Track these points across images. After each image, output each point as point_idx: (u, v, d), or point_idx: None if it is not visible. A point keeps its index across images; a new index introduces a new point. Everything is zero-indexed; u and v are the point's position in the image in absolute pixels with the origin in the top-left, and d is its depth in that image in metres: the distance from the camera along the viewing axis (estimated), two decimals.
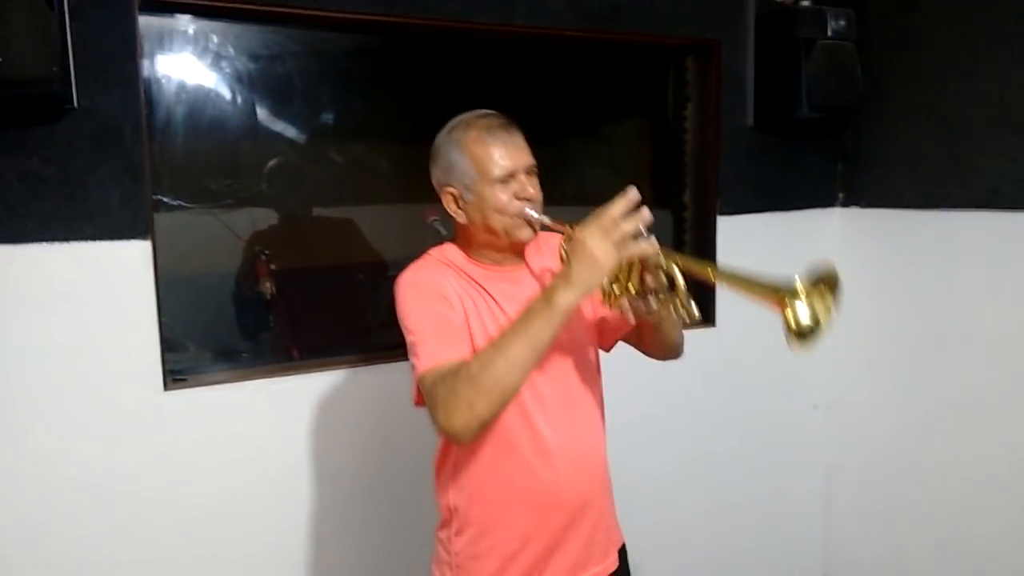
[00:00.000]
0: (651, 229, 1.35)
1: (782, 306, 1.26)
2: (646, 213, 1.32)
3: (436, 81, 2.56)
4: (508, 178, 1.49)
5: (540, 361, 1.41)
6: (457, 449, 1.56)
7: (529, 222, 1.50)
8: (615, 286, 1.46)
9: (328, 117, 2.35)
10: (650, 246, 1.34)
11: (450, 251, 1.61)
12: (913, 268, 2.74)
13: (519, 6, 2.29)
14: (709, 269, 1.40)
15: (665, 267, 1.38)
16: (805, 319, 1.26)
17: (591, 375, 1.65)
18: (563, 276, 1.34)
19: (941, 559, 2.70)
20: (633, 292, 1.44)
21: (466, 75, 2.60)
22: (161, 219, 2.04)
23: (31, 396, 1.87)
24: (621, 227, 1.31)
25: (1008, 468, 2.49)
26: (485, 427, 1.37)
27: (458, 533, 1.59)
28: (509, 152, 1.50)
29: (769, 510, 3.02)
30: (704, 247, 2.76)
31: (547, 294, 1.34)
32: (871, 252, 2.87)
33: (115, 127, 1.89)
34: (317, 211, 2.51)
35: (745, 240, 2.78)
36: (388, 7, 2.15)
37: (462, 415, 1.32)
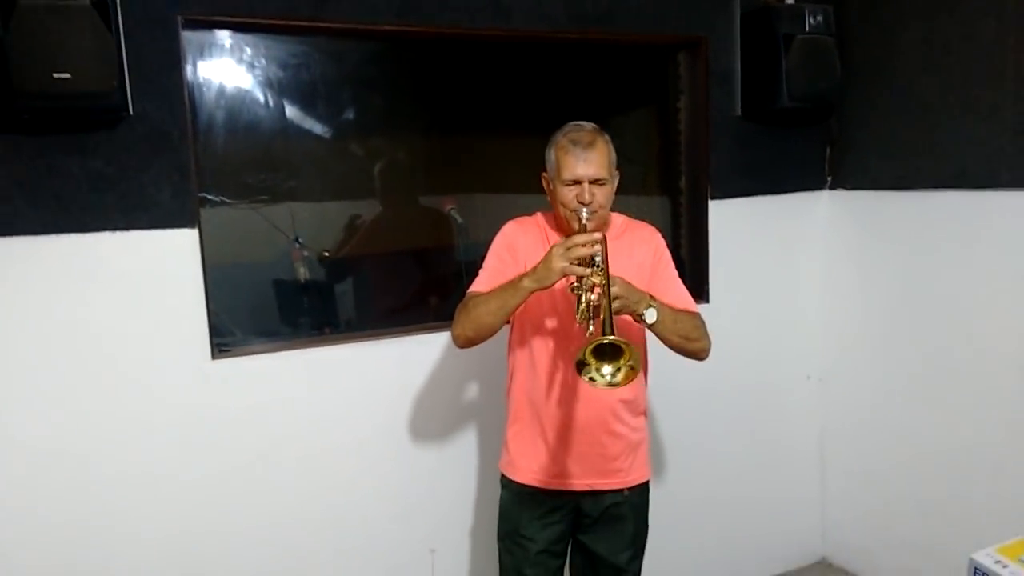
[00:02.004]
0: (598, 263, 1.81)
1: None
2: (594, 249, 1.79)
3: (450, 82, 2.83)
4: (574, 183, 1.95)
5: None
6: (510, 358, 2.14)
7: (578, 219, 1.94)
8: (576, 290, 1.84)
9: (349, 116, 2.64)
10: (582, 270, 1.78)
11: (548, 217, 2.12)
12: (893, 245, 2.93)
13: (515, 12, 2.54)
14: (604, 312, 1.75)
15: (591, 289, 1.79)
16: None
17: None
18: (532, 269, 1.85)
19: (924, 511, 2.91)
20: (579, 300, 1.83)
21: (480, 76, 2.87)
22: (205, 214, 2.32)
23: (97, 363, 2.18)
24: (574, 251, 1.78)
25: (981, 428, 2.69)
26: (471, 343, 1.97)
27: (508, 423, 2.17)
28: (580, 164, 1.94)
29: (770, 471, 3.23)
30: (697, 230, 2.99)
31: (520, 276, 1.86)
32: (856, 232, 3.08)
33: (164, 131, 2.18)
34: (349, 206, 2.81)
35: (736, 222, 3.00)
36: (400, 16, 2.41)
37: (455, 329, 1.98)
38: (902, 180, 2.87)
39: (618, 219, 2.12)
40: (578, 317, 1.79)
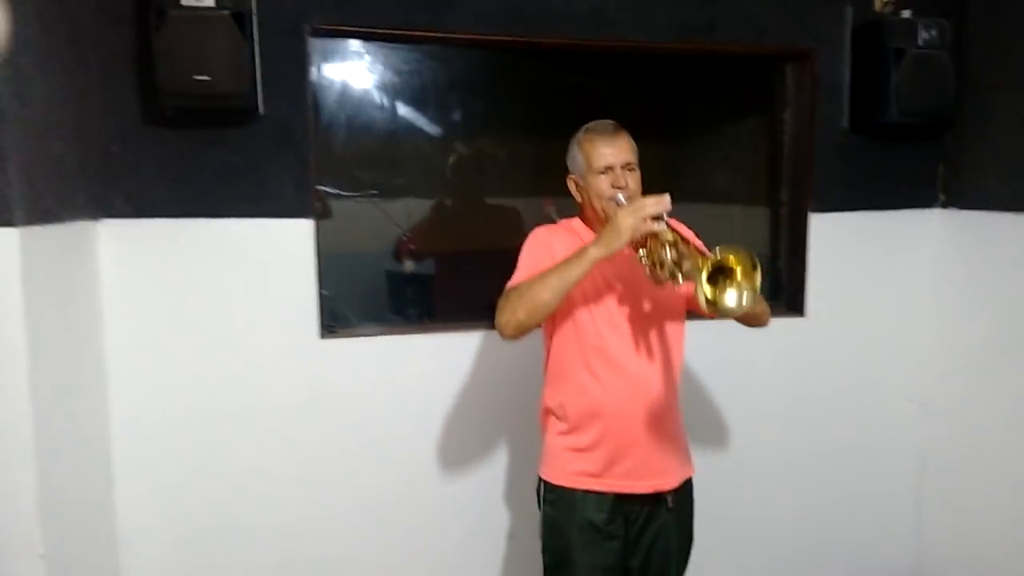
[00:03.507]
0: (665, 220, 1.78)
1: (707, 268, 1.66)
2: (665, 205, 1.76)
3: (555, 88, 2.95)
4: (607, 170, 1.96)
5: (632, 316, 1.97)
6: (553, 360, 2.07)
7: (618, 205, 1.91)
8: (645, 256, 1.86)
9: (456, 120, 2.81)
10: (659, 226, 1.77)
11: (575, 222, 2.10)
12: (1006, 269, 2.80)
13: (620, 23, 2.62)
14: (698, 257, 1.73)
15: (672, 243, 1.79)
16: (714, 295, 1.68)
17: (671, 336, 2.07)
18: (598, 236, 1.82)
19: None
20: (654, 263, 1.85)
21: (585, 82, 2.98)
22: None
23: (219, 336, 2.44)
24: (645, 210, 1.76)
25: None
26: (521, 329, 1.86)
27: (552, 426, 2.09)
28: (610, 151, 1.96)
29: (860, 502, 3.13)
30: (796, 242, 2.97)
31: (584, 247, 1.82)
32: (967, 253, 2.96)
33: (288, 129, 2.41)
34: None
35: (838, 236, 2.94)
36: (508, 27, 2.55)
37: (506, 315, 1.87)
38: (1019, 202, 2.75)
39: None
40: (662, 274, 1.79)
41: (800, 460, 3.04)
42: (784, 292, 3.04)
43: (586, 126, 2.04)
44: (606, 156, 1.96)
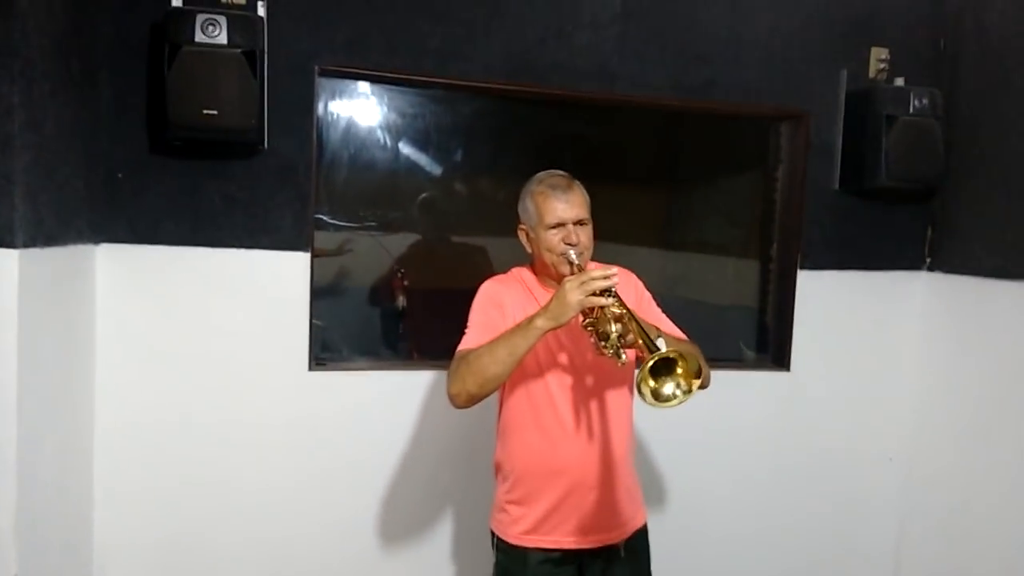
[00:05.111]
0: (614, 293, 1.76)
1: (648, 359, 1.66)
2: (612, 280, 1.75)
3: (555, 135, 3.02)
4: (558, 226, 1.93)
5: (583, 375, 1.95)
6: (504, 418, 2.05)
7: (569, 262, 1.92)
8: (591, 327, 1.84)
9: (457, 162, 2.87)
10: (604, 300, 1.75)
11: (526, 272, 2.08)
12: (990, 334, 2.84)
13: (619, 78, 2.70)
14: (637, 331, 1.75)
15: (616, 318, 1.77)
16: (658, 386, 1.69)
17: (621, 396, 2.04)
18: (544, 307, 1.80)
19: None
20: (598, 335, 1.83)
21: (584, 132, 3.05)
22: (319, 236, 2.59)
23: (211, 363, 2.46)
24: (590, 284, 1.74)
25: None
26: (472, 400, 1.86)
27: (501, 482, 2.08)
28: (563, 206, 1.93)
29: (839, 558, 3.13)
30: (783, 297, 3.02)
31: (530, 317, 1.80)
32: (952, 317, 3.00)
33: (292, 164, 2.47)
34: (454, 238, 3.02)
35: (825, 294, 3.00)
36: (511, 77, 2.62)
37: (456, 386, 1.86)
38: (1004, 269, 2.80)
39: (591, 265, 2.01)
40: (607, 351, 1.77)
41: (780, 515, 3.05)
42: (770, 346, 3.08)
43: (538, 176, 2.02)
44: (558, 212, 1.93)
